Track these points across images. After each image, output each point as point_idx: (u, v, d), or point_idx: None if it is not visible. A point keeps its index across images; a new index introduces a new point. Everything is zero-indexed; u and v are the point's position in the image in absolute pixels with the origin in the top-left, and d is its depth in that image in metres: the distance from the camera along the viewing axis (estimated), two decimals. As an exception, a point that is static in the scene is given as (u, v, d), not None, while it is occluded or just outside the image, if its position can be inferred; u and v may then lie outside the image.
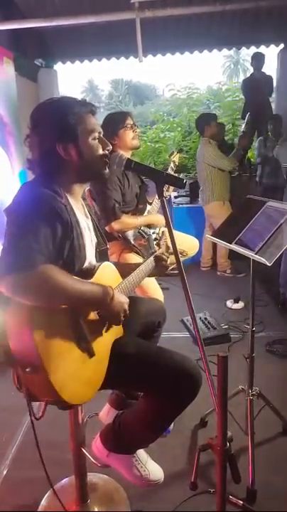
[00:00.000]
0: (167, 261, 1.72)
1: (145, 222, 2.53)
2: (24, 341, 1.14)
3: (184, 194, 5.11)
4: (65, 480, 1.83)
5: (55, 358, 1.16)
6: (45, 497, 1.76)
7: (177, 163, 2.84)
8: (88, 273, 1.35)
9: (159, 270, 1.72)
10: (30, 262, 1.10)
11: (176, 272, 4.25)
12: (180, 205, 4.93)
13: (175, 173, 2.84)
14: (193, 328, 3.02)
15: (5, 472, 1.94)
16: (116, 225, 2.42)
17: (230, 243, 1.88)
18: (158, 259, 1.71)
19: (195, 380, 1.36)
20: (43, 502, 1.75)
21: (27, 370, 1.14)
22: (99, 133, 1.38)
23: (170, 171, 2.74)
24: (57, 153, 1.31)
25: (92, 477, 1.81)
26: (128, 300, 1.37)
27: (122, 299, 1.34)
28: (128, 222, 2.44)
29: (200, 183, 4.42)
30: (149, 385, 1.38)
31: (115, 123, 2.52)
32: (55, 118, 1.30)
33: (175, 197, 5.09)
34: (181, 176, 5.39)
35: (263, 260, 1.64)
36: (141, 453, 1.60)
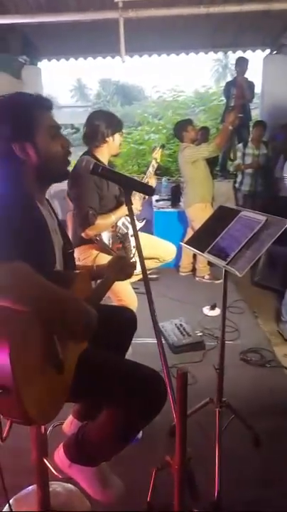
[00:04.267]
0: (131, 264, 1.66)
1: (120, 215, 2.46)
2: None
3: (165, 198, 5.08)
4: (28, 488, 1.78)
5: (29, 379, 1.09)
6: (5, 507, 1.71)
7: (158, 160, 2.77)
8: (64, 280, 1.28)
9: (125, 273, 1.66)
10: (6, 255, 1.06)
11: (155, 276, 4.25)
12: (161, 209, 4.89)
13: (157, 170, 2.78)
14: (167, 336, 3.07)
15: None
16: (90, 232, 2.36)
17: (203, 251, 1.85)
18: (122, 262, 1.65)
19: (160, 393, 1.31)
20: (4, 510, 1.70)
21: None
22: (58, 128, 1.33)
23: (151, 169, 2.68)
24: (14, 154, 1.25)
25: (56, 486, 1.77)
26: (96, 314, 1.31)
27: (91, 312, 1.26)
28: (102, 225, 2.38)
29: (183, 186, 4.39)
30: (112, 397, 1.33)
31: (112, 125, 2.43)
32: (8, 117, 1.24)
33: (157, 200, 5.06)
34: (163, 179, 5.37)
35: (233, 271, 1.62)
36: (103, 466, 1.55)
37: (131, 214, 1.29)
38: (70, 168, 1.40)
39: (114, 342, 1.62)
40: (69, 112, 16.79)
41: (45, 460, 1.55)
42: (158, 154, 2.79)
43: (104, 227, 2.40)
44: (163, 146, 3.02)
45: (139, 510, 1.54)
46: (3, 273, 1.03)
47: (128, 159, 6.78)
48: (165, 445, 2.00)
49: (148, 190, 1.33)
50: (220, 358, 2.00)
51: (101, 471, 1.53)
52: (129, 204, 1.28)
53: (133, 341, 2.20)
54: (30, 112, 1.26)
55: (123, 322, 1.72)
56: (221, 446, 1.87)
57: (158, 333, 1.30)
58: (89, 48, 5.50)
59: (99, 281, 1.61)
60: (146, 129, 7.32)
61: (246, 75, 5.52)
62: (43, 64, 5.93)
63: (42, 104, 1.30)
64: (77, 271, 1.44)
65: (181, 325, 3.22)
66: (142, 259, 1.32)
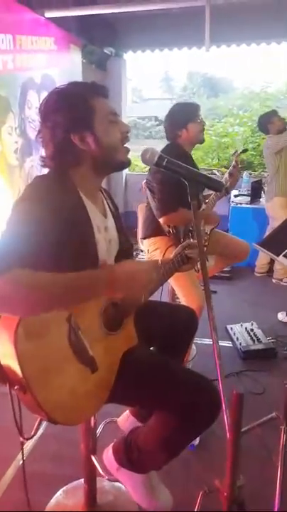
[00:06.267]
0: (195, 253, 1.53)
1: (202, 216, 2.41)
2: (7, 356, 1.05)
3: (245, 193, 4.84)
4: (76, 482, 1.77)
5: (45, 376, 1.05)
6: (55, 496, 1.73)
7: (239, 163, 2.68)
8: None
9: (190, 263, 1.55)
10: (5, 264, 0.98)
11: (227, 274, 4.10)
12: (239, 205, 4.64)
13: (237, 172, 2.70)
14: (236, 339, 2.91)
15: (19, 465, 1.92)
16: (173, 218, 2.34)
17: (278, 255, 1.69)
18: (189, 248, 1.54)
19: (211, 404, 1.20)
20: (52, 501, 1.71)
21: (15, 387, 1.04)
22: (116, 115, 1.27)
23: (230, 170, 2.61)
24: (73, 145, 1.21)
25: (106, 483, 1.74)
26: (150, 271, 1.21)
27: (137, 272, 1.16)
28: (184, 216, 2.32)
29: (267, 181, 4.16)
30: (161, 404, 1.26)
31: (185, 114, 2.47)
32: (65, 107, 1.20)
33: (235, 195, 4.83)
34: (244, 173, 5.12)
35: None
36: (153, 474, 1.48)
37: (195, 210, 1.18)
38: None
39: (170, 343, 1.53)
40: (154, 104, 16.86)
41: (94, 458, 1.52)
42: (239, 158, 2.70)
43: (185, 219, 2.34)
44: (244, 151, 2.91)
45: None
46: (3, 287, 0.97)
47: (209, 152, 6.57)
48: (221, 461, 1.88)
49: (215, 186, 1.21)
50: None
51: (150, 480, 1.47)
52: (193, 199, 1.18)
53: (199, 341, 2.11)
54: (86, 100, 1.21)
55: (181, 322, 1.61)
56: (284, 466, 1.71)
57: (215, 338, 1.17)
58: (175, 39, 5.36)
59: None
60: (230, 122, 7.05)
61: None
62: (129, 55, 5.91)
63: (98, 92, 1.26)
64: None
65: (252, 329, 3.04)
66: (202, 255, 1.24)
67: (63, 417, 1.08)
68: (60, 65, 3.64)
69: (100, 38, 5.06)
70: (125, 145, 1.29)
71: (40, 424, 1.17)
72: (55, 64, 3.56)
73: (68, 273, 1.07)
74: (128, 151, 1.29)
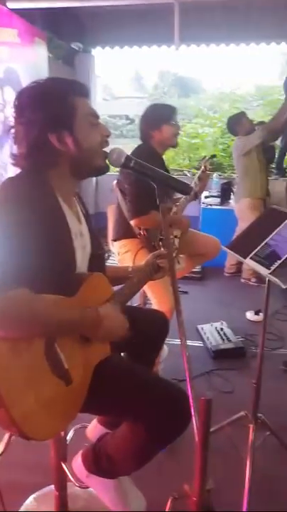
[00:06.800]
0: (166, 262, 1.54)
1: (172, 221, 2.40)
2: None
3: (215, 195, 4.89)
4: (47, 488, 1.74)
5: (19, 390, 1.02)
6: (25, 503, 1.70)
7: (207, 168, 2.71)
8: (76, 283, 1.21)
9: (161, 272, 1.57)
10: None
11: (198, 275, 4.14)
12: (209, 206, 4.69)
13: (206, 176, 2.73)
14: (206, 339, 2.94)
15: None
16: (144, 221, 2.31)
17: (246, 257, 1.71)
18: (160, 258, 1.55)
19: (182, 410, 1.19)
20: (22, 508, 1.69)
21: None
22: (97, 116, 1.23)
23: (196, 179, 2.64)
24: (50, 144, 1.15)
25: (76, 489, 1.72)
26: (126, 321, 1.24)
27: (117, 323, 1.22)
28: (156, 219, 2.28)
29: (236, 182, 4.21)
30: (130, 413, 1.24)
31: (160, 115, 2.43)
32: (43, 104, 1.14)
33: (206, 197, 4.88)
34: (214, 175, 5.18)
35: (277, 281, 1.47)
36: (124, 478, 1.47)
37: (163, 213, 1.18)
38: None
39: (142, 349, 1.52)
40: (125, 102, 16.77)
41: (64, 465, 1.50)
42: (207, 163, 2.72)
43: (156, 221, 2.29)
44: (213, 157, 2.93)
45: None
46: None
47: (179, 153, 6.60)
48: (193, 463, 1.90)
49: (184, 188, 1.21)
50: (258, 371, 1.85)
51: (121, 484, 1.46)
52: (162, 202, 1.17)
53: (170, 342, 2.11)
54: (67, 99, 1.16)
55: (154, 328, 1.60)
56: (253, 464, 1.74)
57: (184, 343, 1.18)
58: (145, 36, 5.34)
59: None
60: (201, 122, 7.12)
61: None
62: (97, 52, 5.79)
63: (80, 91, 1.21)
64: (96, 273, 1.33)
65: (222, 329, 3.08)
66: (172, 263, 1.24)
67: (35, 433, 1.04)
68: (25, 59, 3.49)
69: (67, 32, 4.96)
70: (103, 149, 1.25)
71: (9, 439, 1.13)
72: (19, 58, 3.42)
73: (60, 308, 1.10)
74: (106, 155, 1.24)
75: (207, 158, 2.77)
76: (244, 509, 1.60)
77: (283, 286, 1.44)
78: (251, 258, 1.66)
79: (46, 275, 1.09)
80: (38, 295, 1.05)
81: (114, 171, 6.19)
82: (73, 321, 1.13)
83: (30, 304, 1.03)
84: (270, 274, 1.51)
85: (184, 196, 2.55)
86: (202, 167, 2.68)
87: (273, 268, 1.52)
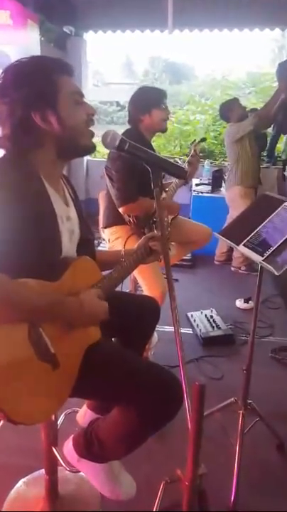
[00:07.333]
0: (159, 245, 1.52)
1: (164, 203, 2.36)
2: None
3: (206, 182, 4.87)
4: (39, 471, 1.75)
5: (5, 375, 1.00)
6: (15, 487, 1.70)
7: (197, 153, 2.66)
8: (61, 268, 1.19)
9: (153, 255, 1.55)
10: None
11: (189, 263, 4.13)
12: (200, 194, 4.66)
13: (197, 161, 2.68)
14: (196, 326, 2.95)
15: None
16: (132, 208, 2.28)
17: (238, 244, 1.70)
18: (153, 240, 1.53)
19: (174, 395, 1.19)
20: (13, 491, 1.69)
21: None
22: (81, 95, 1.21)
23: (186, 165, 2.58)
24: (34, 124, 1.12)
25: (67, 473, 1.72)
26: (106, 306, 1.22)
27: (97, 308, 1.19)
28: (144, 206, 2.28)
29: (228, 169, 4.19)
30: (121, 397, 1.23)
31: (150, 99, 2.38)
32: (26, 81, 1.11)
33: (197, 184, 4.85)
34: (205, 162, 5.15)
35: (270, 268, 1.46)
36: (115, 463, 1.47)
37: (157, 198, 1.16)
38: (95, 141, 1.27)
39: (133, 334, 1.52)
40: (115, 88, 16.57)
41: (55, 449, 1.50)
42: (197, 147, 2.67)
43: (145, 208, 2.27)
44: (203, 140, 2.89)
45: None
46: None
47: (171, 140, 6.55)
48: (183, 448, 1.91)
49: (179, 172, 1.19)
50: (249, 358, 1.86)
51: (112, 468, 1.46)
52: (156, 186, 1.15)
53: (160, 329, 2.11)
54: (50, 76, 1.13)
55: (145, 314, 1.60)
56: (242, 450, 1.76)
57: (178, 330, 1.17)
58: (137, 21, 5.25)
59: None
60: (192, 109, 7.06)
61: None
62: (89, 36, 5.71)
63: (63, 69, 1.18)
64: (83, 256, 1.31)
65: (211, 316, 3.10)
66: (165, 247, 1.22)
67: (24, 417, 1.03)
68: (17, 41, 3.44)
69: (59, 15, 4.87)
70: (90, 128, 1.23)
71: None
72: (11, 40, 3.36)
73: (40, 293, 1.07)
74: (93, 134, 1.22)
75: (196, 141, 2.72)
76: (233, 493, 1.62)
77: (277, 273, 1.43)
78: (243, 245, 1.65)
79: (29, 259, 1.07)
80: (16, 280, 1.03)
81: (104, 157, 6.13)
82: (49, 307, 1.10)
83: (4, 287, 1.00)
84: (263, 261, 1.50)
85: (174, 181, 2.53)
86: (192, 151, 2.62)
87: (266, 255, 1.51)
